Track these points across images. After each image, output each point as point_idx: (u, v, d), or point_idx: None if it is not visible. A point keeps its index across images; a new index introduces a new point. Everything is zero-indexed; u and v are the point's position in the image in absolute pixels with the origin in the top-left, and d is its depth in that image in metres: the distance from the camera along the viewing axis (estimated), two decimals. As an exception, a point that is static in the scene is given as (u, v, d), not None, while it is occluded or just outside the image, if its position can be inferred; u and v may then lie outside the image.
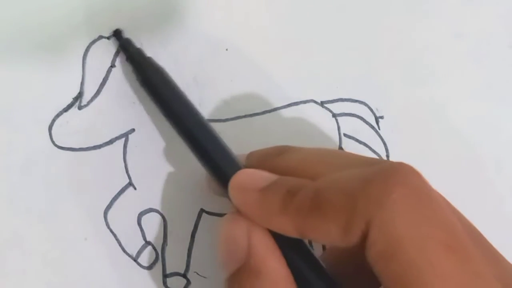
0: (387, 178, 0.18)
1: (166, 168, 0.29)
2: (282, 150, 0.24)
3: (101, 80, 0.29)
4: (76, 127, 0.29)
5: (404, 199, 0.18)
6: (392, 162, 0.20)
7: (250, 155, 0.25)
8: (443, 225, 0.18)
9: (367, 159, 0.22)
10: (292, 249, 0.21)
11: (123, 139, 0.29)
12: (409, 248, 0.17)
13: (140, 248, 0.28)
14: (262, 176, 0.22)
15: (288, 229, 0.20)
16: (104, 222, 0.28)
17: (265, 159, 0.24)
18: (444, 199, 0.21)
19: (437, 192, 0.20)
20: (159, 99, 0.27)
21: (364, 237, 0.18)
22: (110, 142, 0.29)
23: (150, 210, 0.28)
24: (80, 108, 0.29)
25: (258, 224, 0.21)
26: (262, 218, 0.21)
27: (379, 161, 0.21)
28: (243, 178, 0.22)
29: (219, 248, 0.23)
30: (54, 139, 0.28)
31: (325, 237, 0.19)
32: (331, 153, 0.24)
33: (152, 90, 0.27)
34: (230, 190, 0.22)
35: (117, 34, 0.29)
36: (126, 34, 0.30)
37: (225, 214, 0.28)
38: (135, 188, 0.28)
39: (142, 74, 0.27)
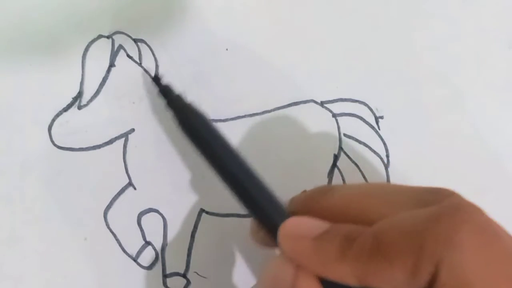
0: (454, 216, 0.18)
1: (166, 168, 0.29)
2: (325, 190, 0.24)
3: (100, 80, 0.29)
4: (76, 127, 0.29)
5: (472, 237, 0.18)
6: (454, 199, 0.19)
7: (293, 200, 0.25)
8: None
9: (416, 190, 0.21)
10: None
11: (123, 139, 0.29)
12: None
13: (140, 248, 0.28)
14: (314, 224, 0.21)
15: (347, 277, 0.19)
16: (104, 222, 0.28)
17: (309, 203, 0.23)
18: (507, 233, 0.20)
19: (501, 227, 0.19)
20: (203, 146, 0.26)
21: (433, 280, 0.17)
22: (110, 142, 0.29)
23: (150, 210, 0.28)
24: (80, 108, 0.29)
25: (312, 272, 0.20)
26: (317, 266, 0.20)
27: (433, 195, 0.20)
28: (294, 226, 0.22)
29: (261, 284, 0.22)
30: (54, 139, 0.28)
31: (389, 283, 0.18)
32: (376, 188, 0.23)
33: (195, 137, 0.26)
34: (281, 238, 0.22)
35: (156, 80, 0.28)
36: (126, 34, 0.30)
37: (225, 214, 0.29)
38: (135, 188, 0.28)
39: (184, 121, 0.26)
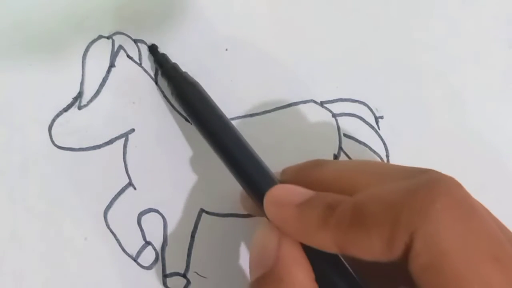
0: (431, 189, 0.18)
1: (166, 168, 0.29)
2: (317, 164, 0.24)
3: (101, 80, 0.29)
4: (76, 127, 0.29)
5: (449, 210, 0.18)
6: (433, 173, 0.20)
7: (285, 170, 0.25)
8: (489, 236, 0.18)
9: (405, 169, 0.21)
10: (327, 264, 0.21)
11: (123, 139, 0.29)
12: (456, 260, 0.17)
13: (140, 248, 0.28)
14: (299, 192, 0.21)
15: (328, 244, 0.19)
16: (104, 222, 0.28)
17: (299, 174, 0.24)
18: (486, 209, 0.20)
19: (479, 203, 0.20)
20: (194, 113, 0.27)
21: (407, 250, 0.18)
22: (110, 142, 0.29)
23: (150, 210, 0.28)
24: (80, 108, 0.29)
25: (295, 239, 0.21)
26: (300, 233, 0.20)
27: (418, 172, 0.20)
28: (279, 193, 0.22)
29: (250, 253, 0.22)
30: (54, 139, 0.28)
31: (367, 252, 0.19)
32: (367, 165, 0.23)
33: (187, 104, 0.27)
34: (266, 205, 0.22)
35: (152, 49, 0.29)
36: (126, 35, 0.30)
37: (225, 214, 0.29)
38: (135, 188, 0.28)
39: (177, 88, 0.27)
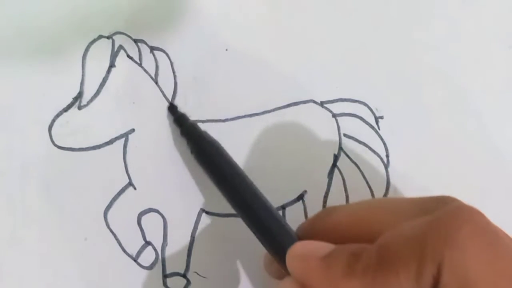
0: (454, 217, 0.18)
1: (166, 168, 0.29)
2: (329, 212, 0.24)
3: (101, 80, 0.29)
4: (76, 127, 0.29)
5: (474, 237, 0.18)
6: (454, 202, 0.20)
7: (300, 227, 0.25)
8: None
9: (418, 201, 0.21)
10: None
11: (123, 139, 0.29)
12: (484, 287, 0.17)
13: (140, 248, 0.28)
14: (321, 245, 0.22)
15: None
16: (104, 222, 0.28)
17: (314, 226, 0.24)
18: (508, 236, 0.20)
19: (502, 230, 0.19)
20: (214, 171, 0.27)
21: (436, 283, 0.17)
22: (110, 142, 0.29)
23: (150, 210, 0.28)
24: (80, 108, 0.29)
25: None
26: (326, 284, 0.20)
27: (435, 202, 0.20)
28: (301, 248, 0.22)
29: None
30: (54, 139, 0.28)
31: None
32: (378, 202, 0.23)
33: (207, 163, 0.27)
34: (288, 260, 0.22)
35: (172, 109, 0.29)
36: (126, 35, 0.30)
37: (225, 214, 0.29)
38: (135, 188, 0.28)
39: (197, 147, 0.27)
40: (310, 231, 0.24)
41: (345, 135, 0.30)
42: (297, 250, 0.22)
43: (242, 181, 0.26)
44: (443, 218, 0.18)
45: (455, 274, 0.17)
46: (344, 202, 0.29)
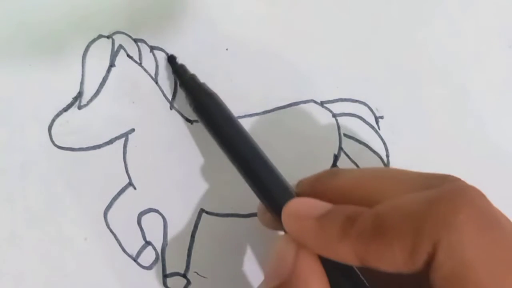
0: (454, 199, 0.18)
1: (166, 168, 0.29)
2: (332, 173, 0.23)
3: (100, 80, 0.29)
4: (76, 127, 0.29)
5: (473, 220, 0.17)
6: (456, 183, 0.19)
7: (300, 182, 0.25)
8: None
9: (424, 176, 0.21)
10: (343, 277, 0.21)
11: (123, 139, 0.29)
12: (480, 271, 0.17)
13: (140, 248, 0.28)
14: (317, 204, 0.21)
15: (348, 257, 0.19)
16: (104, 222, 0.28)
17: (315, 184, 0.23)
18: (509, 220, 0.20)
19: (502, 213, 0.19)
20: (212, 124, 0.27)
21: (430, 261, 0.17)
22: (110, 142, 0.29)
23: (150, 210, 0.28)
24: (80, 108, 0.29)
25: (314, 251, 0.20)
26: (319, 246, 0.20)
27: (439, 179, 0.20)
28: (297, 206, 0.22)
29: (267, 264, 0.22)
30: (54, 139, 0.28)
31: (388, 263, 0.18)
32: (384, 172, 0.23)
33: (206, 115, 0.27)
34: (284, 218, 0.22)
35: (171, 59, 0.29)
36: (126, 34, 0.30)
37: (225, 214, 0.29)
38: (135, 188, 0.28)
39: (196, 99, 0.27)
40: (309, 189, 0.23)
41: (345, 135, 0.31)
42: (293, 208, 0.22)
43: (241, 135, 0.26)
44: (444, 197, 0.18)
45: (451, 254, 0.17)
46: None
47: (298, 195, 0.23)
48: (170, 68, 0.29)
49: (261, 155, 0.25)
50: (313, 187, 0.23)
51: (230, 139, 0.26)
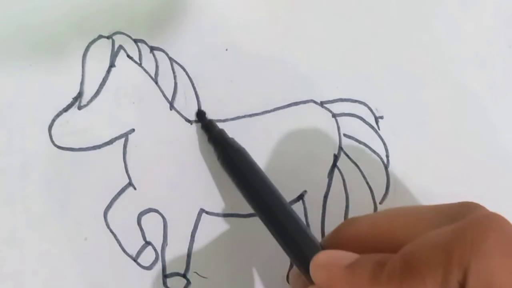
0: (481, 225, 0.18)
1: (166, 168, 0.29)
2: (350, 222, 0.24)
3: (101, 80, 0.29)
4: (76, 127, 0.29)
5: (500, 245, 0.18)
6: (481, 212, 0.20)
7: (324, 238, 0.25)
8: None
9: (440, 208, 0.21)
10: None
11: (123, 139, 0.29)
12: None
13: (140, 248, 0.28)
14: (345, 255, 0.22)
15: None
16: (104, 222, 0.28)
17: (337, 236, 0.24)
18: None
19: None
20: (240, 179, 0.27)
21: None
22: (110, 142, 0.29)
23: (150, 210, 0.28)
24: (80, 108, 0.29)
25: None
26: None
27: (459, 209, 0.20)
28: (326, 256, 0.22)
29: None
30: (54, 139, 0.28)
31: None
32: (399, 211, 0.23)
33: (233, 170, 0.27)
34: (313, 269, 0.22)
35: (200, 115, 0.29)
36: (126, 35, 0.30)
37: (225, 214, 0.29)
38: (135, 188, 0.28)
39: (224, 154, 0.27)
40: (332, 242, 0.24)
41: (345, 135, 0.30)
42: (321, 259, 0.22)
43: (268, 190, 0.26)
44: (470, 225, 0.18)
45: (480, 280, 0.17)
46: (344, 202, 0.30)
47: (324, 248, 0.24)
48: (172, 73, 0.30)
49: (289, 212, 0.25)
50: (335, 239, 0.24)
51: (257, 195, 0.26)
